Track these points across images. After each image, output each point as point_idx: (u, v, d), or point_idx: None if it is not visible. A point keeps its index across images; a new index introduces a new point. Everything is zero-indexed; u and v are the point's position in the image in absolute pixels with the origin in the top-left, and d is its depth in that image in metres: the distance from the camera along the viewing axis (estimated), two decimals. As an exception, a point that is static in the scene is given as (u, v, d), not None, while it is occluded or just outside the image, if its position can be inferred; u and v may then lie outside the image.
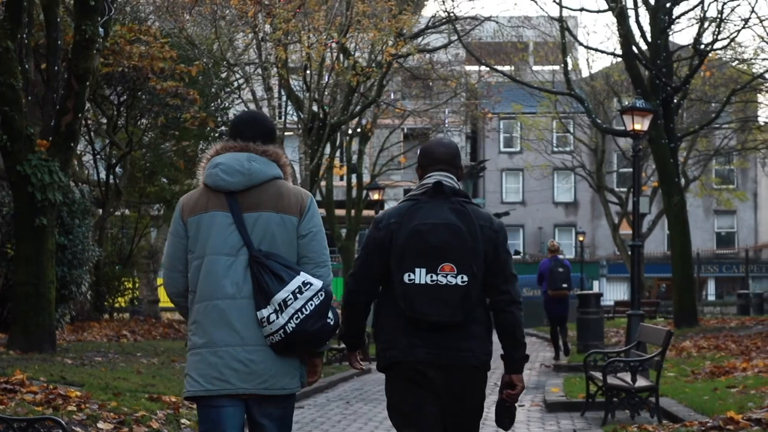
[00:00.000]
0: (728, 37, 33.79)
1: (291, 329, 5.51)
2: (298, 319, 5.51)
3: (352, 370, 19.00)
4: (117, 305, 35.57)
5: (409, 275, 5.85)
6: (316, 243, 5.73)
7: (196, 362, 5.65)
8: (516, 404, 6.19)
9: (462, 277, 5.83)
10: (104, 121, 29.65)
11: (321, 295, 5.58)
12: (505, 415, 6.18)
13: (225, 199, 5.69)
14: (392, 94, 47.16)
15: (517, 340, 6.05)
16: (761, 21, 33.79)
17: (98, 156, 31.92)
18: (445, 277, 5.83)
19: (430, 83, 47.10)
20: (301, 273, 5.58)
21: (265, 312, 5.53)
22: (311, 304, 5.54)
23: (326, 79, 31.79)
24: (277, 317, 5.51)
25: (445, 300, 5.82)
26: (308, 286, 5.55)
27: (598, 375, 14.00)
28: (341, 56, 32.76)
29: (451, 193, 6.01)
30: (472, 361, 5.94)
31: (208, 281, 5.64)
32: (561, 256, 23.63)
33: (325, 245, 5.78)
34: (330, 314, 5.62)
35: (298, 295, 5.53)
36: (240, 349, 5.57)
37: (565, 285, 23.06)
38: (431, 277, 5.83)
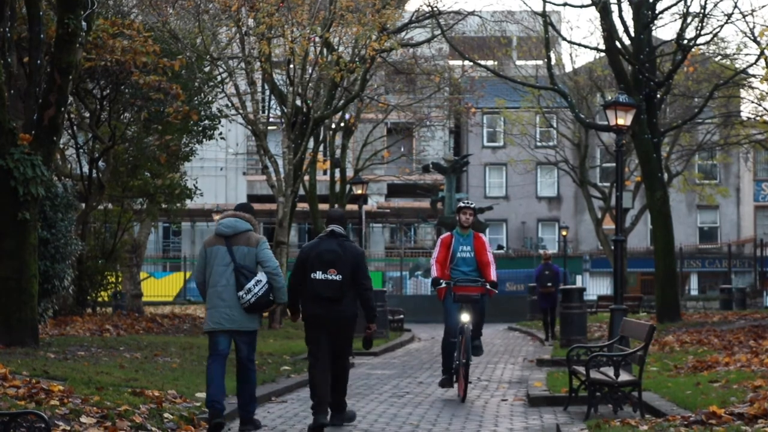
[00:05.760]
0: (711, 32, 33.83)
1: (253, 301, 12.05)
2: (256, 297, 12.06)
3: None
4: (100, 299, 35.43)
5: (314, 274, 12.34)
6: (267, 260, 12.14)
7: (209, 316, 12.15)
8: (372, 337, 12.98)
9: (339, 276, 12.31)
10: (87, 115, 29.49)
11: (266, 285, 12.09)
12: (367, 344, 13.02)
13: (224, 240, 12.18)
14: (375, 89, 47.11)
15: (370, 306, 12.60)
16: (744, 16, 34.21)
17: (81, 150, 31.76)
18: (331, 275, 12.31)
19: (414, 78, 47.10)
20: (258, 274, 12.08)
21: (241, 293, 12.03)
22: (262, 290, 12.06)
23: (310, 74, 31.73)
24: (247, 295, 12.02)
25: (331, 287, 12.29)
26: (260, 281, 12.08)
27: (581, 369, 14.01)
28: (325, 51, 32.71)
29: (339, 235, 12.58)
30: (344, 314, 12.44)
31: (214, 278, 12.14)
32: (551, 262, 30.39)
33: (270, 257, 12.25)
34: (270, 295, 12.17)
35: (256, 285, 12.05)
36: (227, 309, 12.06)
37: (549, 284, 29.45)
38: (324, 276, 12.32)
